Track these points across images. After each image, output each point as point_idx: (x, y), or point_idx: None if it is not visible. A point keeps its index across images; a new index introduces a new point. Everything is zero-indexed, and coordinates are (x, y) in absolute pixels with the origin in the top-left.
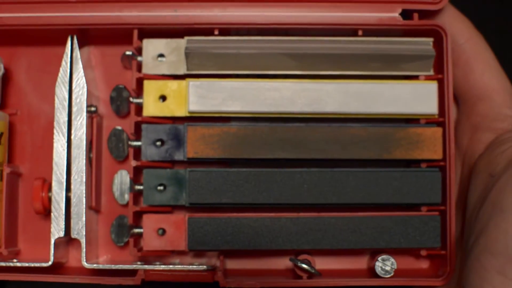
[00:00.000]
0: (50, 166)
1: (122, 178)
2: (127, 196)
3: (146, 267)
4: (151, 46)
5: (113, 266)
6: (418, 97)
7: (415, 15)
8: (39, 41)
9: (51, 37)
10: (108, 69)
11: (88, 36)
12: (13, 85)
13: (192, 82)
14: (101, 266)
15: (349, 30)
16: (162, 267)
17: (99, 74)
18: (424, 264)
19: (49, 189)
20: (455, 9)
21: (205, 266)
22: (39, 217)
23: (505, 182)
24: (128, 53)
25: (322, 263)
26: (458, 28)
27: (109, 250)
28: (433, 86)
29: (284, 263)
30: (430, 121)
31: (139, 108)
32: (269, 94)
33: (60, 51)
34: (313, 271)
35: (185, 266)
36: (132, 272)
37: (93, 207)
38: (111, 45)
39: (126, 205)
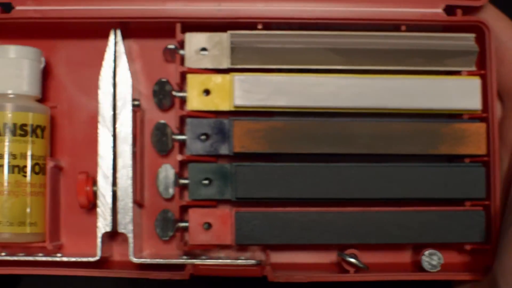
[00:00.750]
0: (91, 160)
1: (166, 172)
2: (171, 190)
3: (196, 261)
4: (194, 40)
5: (162, 261)
6: (461, 92)
7: (459, 11)
8: (80, 34)
9: (92, 30)
10: (149, 62)
11: (129, 29)
12: (53, 79)
13: (237, 76)
14: (149, 261)
15: (392, 26)
16: (212, 261)
17: (140, 67)
18: (467, 259)
19: (93, 183)
20: (496, 8)
21: (254, 261)
22: (81, 210)
23: None
24: (170, 46)
25: (366, 257)
26: (501, 27)
27: (152, 244)
28: (476, 81)
29: (328, 257)
30: (473, 116)
31: (183, 102)
32: (314, 89)
33: (100, 44)
34: (361, 265)
35: (234, 260)
36: (180, 267)
37: (137, 202)
38: (152, 38)
39: (170, 199)
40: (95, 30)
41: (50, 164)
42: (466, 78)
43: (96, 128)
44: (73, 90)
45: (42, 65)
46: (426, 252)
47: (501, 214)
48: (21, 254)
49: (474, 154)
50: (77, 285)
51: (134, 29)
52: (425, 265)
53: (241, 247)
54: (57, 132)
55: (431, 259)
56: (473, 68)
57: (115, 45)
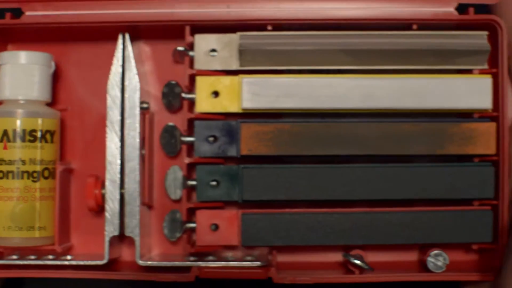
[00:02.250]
0: (101, 162)
1: (175, 174)
2: (179, 192)
3: (201, 264)
4: (203, 42)
5: (167, 263)
6: (472, 91)
7: (471, 10)
8: (89, 37)
9: (102, 34)
10: (158, 64)
11: (139, 31)
12: (63, 81)
13: (245, 79)
14: (155, 264)
15: (404, 25)
16: (216, 264)
17: (149, 69)
18: (474, 258)
19: (102, 186)
20: None
21: (259, 263)
22: (91, 212)
23: None
24: (180, 48)
25: (372, 257)
26: None
27: (161, 245)
28: (487, 80)
29: (334, 257)
30: (484, 115)
31: (191, 104)
32: (323, 90)
33: (110, 47)
34: (366, 266)
35: (239, 262)
36: (185, 269)
37: (146, 203)
38: (162, 40)
39: (178, 200)
40: (105, 33)
41: (59, 169)
42: (477, 77)
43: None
44: (83, 92)
45: (52, 69)
46: (432, 253)
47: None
48: (31, 257)
49: (484, 154)
50: (87, 286)
51: (144, 31)
52: (431, 266)
53: (247, 247)
54: (67, 134)
55: (437, 260)
56: (485, 67)
57: (123, 49)
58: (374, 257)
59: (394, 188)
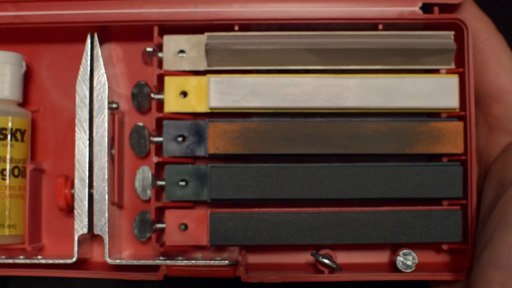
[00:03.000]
0: (73, 163)
1: (144, 174)
2: (149, 192)
3: (169, 262)
4: (172, 42)
5: (136, 262)
6: (439, 91)
7: (436, 9)
8: (60, 38)
9: (72, 34)
10: (129, 65)
11: (109, 32)
12: (35, 83)
13: (212, 78)
14: (123, 262)
15: (370, 25)
16: (184, 262)
17: (120, 70)
18: (445, 259)
19: (72, 186)
20: (477, 8)
21: (227, 262)
22: (62, 212)
23: None
24: (148, 49)
25: (342, 258)
26: (477, 28)
27: (131, 245)
28: (454, 80)
29: (305, 257)
30: (451, 115)
31: (161, 104)
32: (290, 89)
33: (81, 48)
34: (334, 265)
35: (207, 261)
36: (155, 268)
37: (116, 203)
38: (132, 41)
39: (148, 200)
40: (75, 34)
41: (30, 168)
42: (444, 76)
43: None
44: (55, 93)
45: (24, 70)
46: (401, 252)
47: (477, 214)
48: (2, 257)
49: (452, 153)
50: (61, 285)
51: (114, 32)
52: (400, 265)
53: (218, 248)
54: (39, 135)
55: (406, 259)
56: (452, 66)
57: (92, 49)
58: (343, 257)
59: (363, 187)
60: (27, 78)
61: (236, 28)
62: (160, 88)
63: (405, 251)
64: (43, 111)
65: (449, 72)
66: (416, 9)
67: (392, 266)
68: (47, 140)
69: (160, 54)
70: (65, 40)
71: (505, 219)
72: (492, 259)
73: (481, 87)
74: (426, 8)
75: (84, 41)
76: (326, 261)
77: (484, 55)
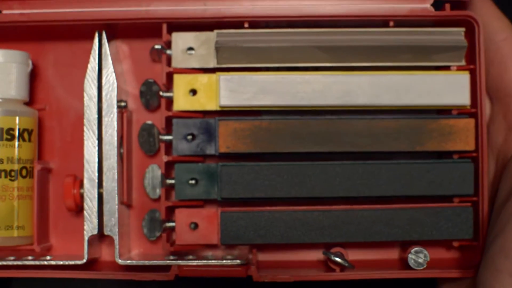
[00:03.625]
0: (80, 161)
1: (153, 173)
2: (158, 191)
3: (180, 262)
4: (180, 40)
5: (147, 262)
6: (450, 88)
7: (447, 6)
8: (67, 36)
9: (79, 32)
10: (136, 62)
11: (116, 29)
12: (41, 81)
13: (223, 76)
14: (134, 263)
15: (380, 22)
16: (196, 262)
17: (127, 67)
18: (455, 255)
19: (81, 185)
20: (495, 6)
21: (239, 261)
22: (70, 212)
23: None
24: (157, 46)
25: (353, 255)
26: (496, 26)
27: (140, 244)
28: (465, 76)
29: (316, 255)
30: (462, 111)
31: (169, 102)
32: (300, 87)
33: (87, 46)
34: (346, 264)
35: (218, 261)
36: (166, 268)
37: (125, 202)
38: (139, 39)
39: (157, 199)
40: (82, 31)
41: (37, 168)
42: (455, 73)
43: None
44: (61, 91)
45: (30, 68)
46: (412, 250)
47: (489, 212)
48: (10, 258)
49: (463, 150)
50: (69, 285)
51: (121, 29)
52: (411, 263)
53: (228, 246)
54: (46, 134)
55: (417, 257)
56: (463, 63)
57: (100, 47)
58: (354, 255)
59: (374, 185)
60: (33, 76)
61: (246, 25)
62: (169, 86)
63: (416, 249)
64: (49, 110)
65: (460, 69)
66: (427, 5)
67: (403, 263)
68: (53, 139)
69: (168, 52)
70: (72, 38)
71: None
72: (503, 248)
73: (501, 85)
74: (437, 5)
75: (90, 38)
76: (338, 259)
77: (503, 53)
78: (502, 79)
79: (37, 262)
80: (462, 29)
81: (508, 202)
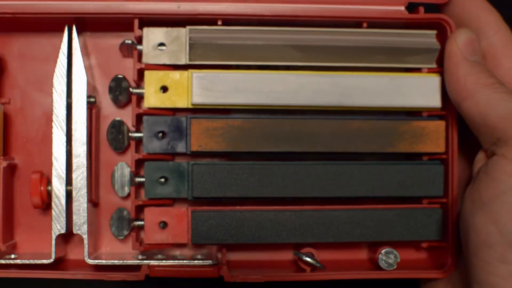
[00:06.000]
0: (44, 157)
1: (122, 171)
2: (127, 189)
3: (151, 262)
4: (152, 35)
5: (117, 262)
6: (421, 90)
7: (421, 9)
8: (35, 28)
9: (48, 25)
10: (105, 57)
11: (85, 23)
12: (7, 74)
13: (196, 73)
14: (104, 262)
15: (354, 23)
16: (166, 262)
17: (96, 62)
18: (425, 256)
19: (48, 182)
20: (484, 0)
21: (210, 261)
22: (34, 210)
23: (483, 174)
24: (128, 41)
25: (324, 256)
26: (487, 21)
27: (108, 243)
28: (436, 79)
29: (286, 256)
30: (432, 114)
31: (140, 98)
32: (273, 86)
33: (55, 39)
34: (317, 264)
35: (190, 261)
36: (135, 267)
37: (93, 200)
38: (108, 33)
39: (125, 197)
40: (51, 25)
41: (3, 164)
42: (426, 75)
43: (51, 124)
44: (26, 86)
45: None
46: (383, 251)
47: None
48: None
49: (433, 152)
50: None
51: (91, 23)
52: (382, 263)
53: (198, 245)
54: (10, 129)
55: (388, 258)
56: (434, 66)
57: (69, 41)
58: (325, 255)
59: (346, 185)
60: None
61: (219, 23)
62: (139, 82)
63: (387, 249)
64: (14, 104)
65: (431, 71)
66: (401, 8)
67: (372, 263)
68: (18, 134)
69: (139, 47)
70: (39, 31)
71: (479, 202)
72: (481, 241)
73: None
74: (412, 7)
75: (59, 32)
76: (309, 259)
77: (496, 48)
78: (494, 74)
79: (2, 261)
80: (434, 32)
81: (464, 201)
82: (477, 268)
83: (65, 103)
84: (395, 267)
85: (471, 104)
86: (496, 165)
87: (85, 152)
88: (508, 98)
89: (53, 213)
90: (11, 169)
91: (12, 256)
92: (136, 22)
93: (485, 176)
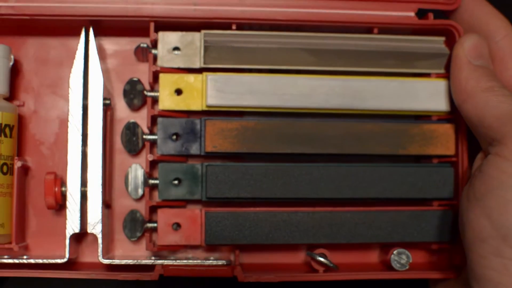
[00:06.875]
0: (59, 159)
1: (136, 172)
2: (140, 191)
3: (165, 262)
4: (167, 39)
5: (131, 262)
6: (430, 94)
7: (430, 15)
8: (51, 31)
9: (63, 28)
10: (120, 60)
11: (101, 26)
12: (22, 76)
13: (210, 76)
14: (118, 262)
15: (365, 28)
16: (181, 262)
17: (111, 65)
18: (435, 258)
19: (62, 184)
20: (490, 5)
21: (224, 261)
22: (48, 211)
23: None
24: (143, 45)
25: (336, 257)
26: (496, 25)
27: (120, 245)
28: (443, 83)
29: (299, 257)
30: (441, 117)
31: (154, 101)
32: (287, 89)
33: (71, 42)
34: (330, 264)
35: (204, 261)
36: (150, 267)
37: (106, 202)
38: (125, 37)
39: (139, 199)
40: (67, 27)
41: (18, 164)
42: (434, 80)
43: (64, 127)
44: (41, 88)
45: (11, 63)
46: (395, 252)
47: None
48: None
49: (443, 154)
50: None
51: (106, 26)
52: (394, 264)
53: (209, 247)
54: (25, 131)
55: (400, 258)
56: (442, 71)
57: (86, 44)
58: (337, 256)
59: (357, 187)
60: (14, 72)
61: (234, 27)
62: (154, 85)
63: (399, 250)
64: (28, 106)
65: (439, 76)
66: (411, 14)
67: (384, 265)
68: (32, 136)
69: (154, 51)
70: (55, 34)
71: (473, 198)
72: (476, 235)
73: (502, 83)
74: (422, 14)
75: (75, 35)
76: (322, 259)
77: (504, 52)
78: (502, 77)
79: (16, 261)
80: (442, 38)
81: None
82: (473, 263)
83: (81, 104)
84: (407, 267)
85: (470, 106)
86: (489, 162)
87: (100, 153)
88: (505, 100)
89: (68, 212)
90: (25, 171)
91: (25, 256)
92: (152, 25)
93: (479, 173)
